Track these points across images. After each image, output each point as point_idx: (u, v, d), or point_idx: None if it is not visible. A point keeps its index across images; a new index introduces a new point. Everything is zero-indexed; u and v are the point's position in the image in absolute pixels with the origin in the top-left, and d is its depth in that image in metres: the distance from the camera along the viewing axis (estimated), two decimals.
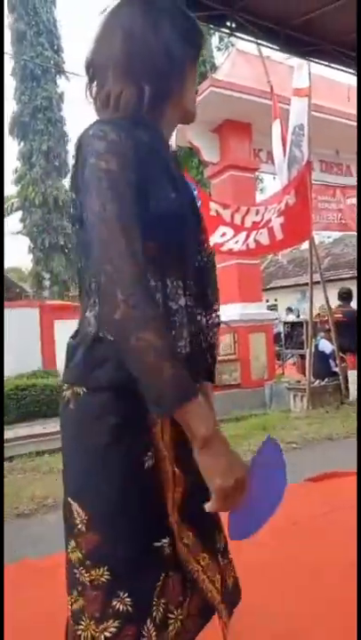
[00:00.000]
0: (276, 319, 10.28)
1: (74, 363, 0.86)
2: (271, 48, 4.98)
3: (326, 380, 6.33)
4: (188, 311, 0.88)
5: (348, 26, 4.64)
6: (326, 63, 5.11)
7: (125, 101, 0.87)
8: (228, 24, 4.56)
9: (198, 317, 0.91)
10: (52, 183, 18.26)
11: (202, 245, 0.94)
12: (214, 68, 14.32)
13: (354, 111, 8.60)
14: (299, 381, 6.74)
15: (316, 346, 6.72)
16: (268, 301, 15.57)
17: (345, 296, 6.59)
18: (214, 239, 5.51)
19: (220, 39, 16.64)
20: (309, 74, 5.61)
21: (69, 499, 0.85)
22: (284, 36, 4.79)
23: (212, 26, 4.81)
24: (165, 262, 0.84)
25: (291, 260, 19.51)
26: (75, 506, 0.84)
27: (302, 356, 7.65)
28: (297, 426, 4.73)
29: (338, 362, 6.27)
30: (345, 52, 5.01)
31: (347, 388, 6.14)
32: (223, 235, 5.73)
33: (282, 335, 8.69)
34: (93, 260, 0.78)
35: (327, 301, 6.45)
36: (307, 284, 6.39)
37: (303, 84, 5.62)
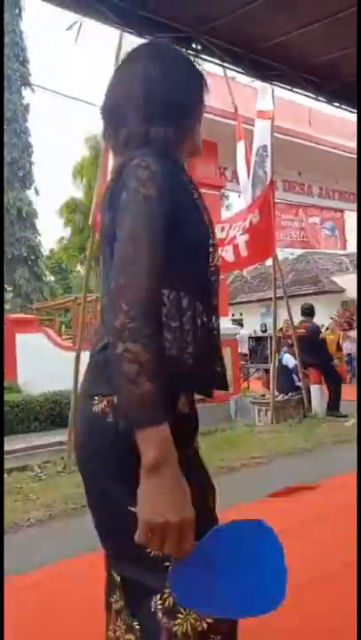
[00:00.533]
0: (236, 335, 10.37)
1: (110, 373, 0.81)
2: (236, 71, 5.12)
3: (290, 394, 6.44)
4: (209, 327, 0.94)
5: (311, 52, 4.85)
6: (290, 87, 5.31)
7: (153, 139, 0.95)
8: (194, 46, 4.67)
9: (215, 332, 0.97)
10: (16, 194, 18.00)
11: (215, 261, 0.99)
12: None
13: (315, 133, 8.96)
14: (263, 395, 6.83)
15: (280, 360, 6.84)
16: (233, 315, 15.77)
17: (307, 311, 6.77)
18: None
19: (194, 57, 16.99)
20: (273, 97, 5.79)
21: (130, 508, 0.80)
22: (248, 60, 4.95)
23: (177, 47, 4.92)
24: (190, 284, 0.91)
25: (256, 276, 19.86)
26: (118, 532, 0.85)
27: (267, 371, 7.77)
28: (262, 440, 4.78)
29: (300, 376, 6.40)
30: (308, 78, 5.22)
31: (309, 402, 6.26)
32: None
33: (247, 350, 8.81)
34: (113, 272, 0.81)
35: (290, 316, 6.60)
36: (271, 298, 6.53)
37: (267, 106, 5.81)
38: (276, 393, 6.33)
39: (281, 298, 6.57)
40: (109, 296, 0.81)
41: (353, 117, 6.10)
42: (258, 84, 5.75)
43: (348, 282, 16.83)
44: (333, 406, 6.32)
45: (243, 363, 9.13)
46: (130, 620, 0.89)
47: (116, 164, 1.00)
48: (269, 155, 5.82)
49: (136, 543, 0.74)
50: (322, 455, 4.37)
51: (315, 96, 5.45)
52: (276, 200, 9.62)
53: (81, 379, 1.06)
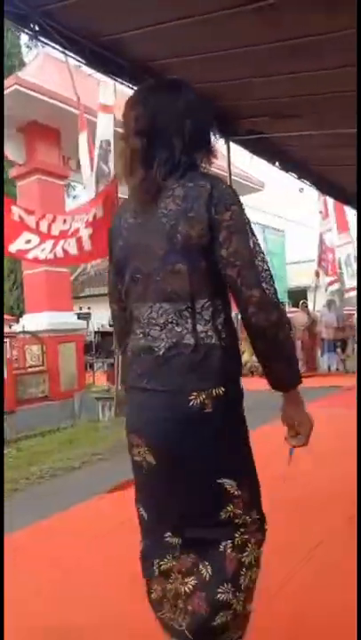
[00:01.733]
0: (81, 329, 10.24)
1: (205, 372, 1.16)
2: (76, 60, 4.97)
3: None
4: None
5: (152, 51, 4.95)
6: (130, 85, 5.35)
7: (202, 162, 1.30)
8: (32, 26, 4.39)
9: None
10: None
11: None
12: (23, 64, 13.70)
13: None
14: (107, 390, 6.85)
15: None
16: (81, 309, 15.47)
17: None
18: (17, 245, 5.22)
19: (31, 37, 15.97)
20: (115, 92, 5.78)
21: (219, 480, 1.20)
22: (89, 50, 4.84)
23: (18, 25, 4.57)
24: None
25: (105, 269, 19.77)
26: (227, 484, 1.21)
27: (112, 365, 7.81)
28: (104, 436, 4.78)
29: None
30: (150, 77, 5.32)
31: None
32: (28, 241, 5.47)
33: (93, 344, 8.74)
34: (251, 280, 1.16)
35: None
36: None
37: (108, 100, 5.78)
38: (121, 387, 6.41)
39: None
40: (252, 298, 1.16)
41: None
42: (100, 76, 5.67)
43: None
44: None
45: (89, 357, 9.04)
46: (192, 565, 1.21)
47: (165, 172, 1.23)
48: (112, 150, 5.81)
49: (229, 483, 1.20)
50: None
51: None
52: (122, 197, 9.71)
53: None
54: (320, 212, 12.88)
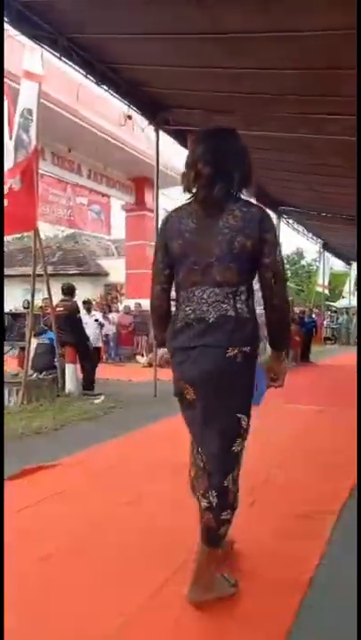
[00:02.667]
0: None
1: (240, 334, 1.67)
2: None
3: (44, 373, 6.33)
4: None
5: (83, 25, 4.74)
6: (59, 56, 5.09)
7: (249, 193, 1.90)
8: None
9: None
10: None
11: None
12: None
13: (84, 111, 8.92)
14: (16, 374, 6.51)
15: (38, 338, 6.65)
16: None
17: (67, 291, 6.73)
18: None
19: None
20: (42, 61, 5.46)
21: (238, 415, 1.69)
22: (15, 11, 4.52)
23: None
24: None
25: (21, 249, 18.84)
26: (242, 419, 1.70)
27: (23, 349, 7.44)
28: (8, 421, 4.53)
29: (58, 355, 6.35)
30: (78, 51, 5.10)
31: (64, 381, 6.28)
32: None
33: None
34: (275, 278, 1.72)
35: (49, 294, 6.45)
36: (38, 274, 6.22)
37: (35, 69, 5.44)
38: (31, 372, 6.12)
39: (42, 275, 6.35)
40: (273, 288, 1.72)
41: (119, 104, 6.29)
42: (27, 41, 5.32)
43: (112, 266, 17.58)
44: (87, 385, 6.50)
45: None
46: (206, 489, 1.70)
47: (226, 201, 1.72)
48: (35, 120, 5.49)
49: (239, 402, 1.70)
50: (68, 433, 4.43)
51: (85, 73, 5.38)
52: (43, 171, 9.26)
53: None
54: None
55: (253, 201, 2.14)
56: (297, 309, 12.43)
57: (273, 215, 12.07)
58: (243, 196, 1.78)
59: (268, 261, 1.70)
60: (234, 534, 1.93)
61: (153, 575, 1.94)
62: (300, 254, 29.89)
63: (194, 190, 1.76)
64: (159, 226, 1.95)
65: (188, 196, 1.80)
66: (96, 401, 5.89)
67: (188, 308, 1.74)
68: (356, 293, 22.84)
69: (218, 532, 1.70)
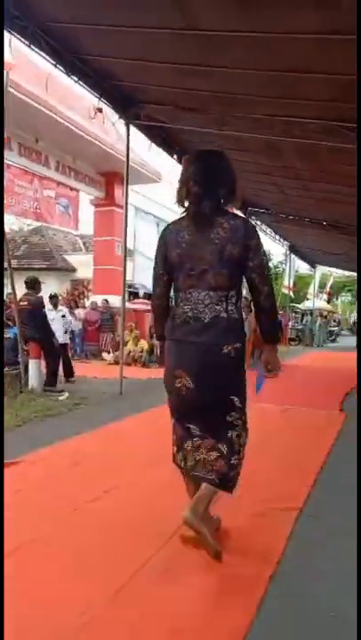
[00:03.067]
0: None
1: (232, 333, 2.00)
2: None
3: (7, 368, 6.16)
4: None
5: (52, 13, 4.63)
6: (28, 43, 4.95)
7: (234, 206, 2.25)
8: None
9: None
10: None
11: None
12: None
13: (53, 102, 8.72)
14: None
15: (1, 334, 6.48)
16: None
17: (31, 284, 6.58)
18: None
19: None
20: (11, 47, 5.30)
21: (231, 397, 2.05)
22: None
23: None
24: None
25: None
26: (235, 399, 2.05)
27: None
28: None
29: (20, 350, 6.20)
30: (47, 40, 4.98)
31: (27, 377, 6.13)
32: None
33: None
34: (260, 279, 2.02)
35: (13, 288, 6.29)
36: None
37: (4, 56, 5.27)
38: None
39: (6, 269, 6.17)
40: (262, 298, 2.04)
41: (89, 97, 6.19)
42: None
43: (80, 262, 17.31)
44: (50, 381, 6.38)
45: None
46: (214, 446, 2.04)
47: (209, 212, 2.02)
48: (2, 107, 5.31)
49: (235, 390, 2.07)
50: (30, 430, 4.33)
51: (54, 62, 5.26)
52: (9, 161, 9.01)
53: None
54: None
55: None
56: None
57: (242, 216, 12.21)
58: (230, 210, 2.11)
59: (253, 264, 2.01)
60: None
61: (118, 571, 1.92)
62: (267, 256, 30.33)
63: (186, 204, 2.08)
64: (158, 237, 2.18)
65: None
66: (60, 397, 5.79)
67: (186, 307, 2.04)
68: (316, 296, 23.43)
69: (228, 475, 2.03)
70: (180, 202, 2.09)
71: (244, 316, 2.23)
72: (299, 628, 1.65)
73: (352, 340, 21.38)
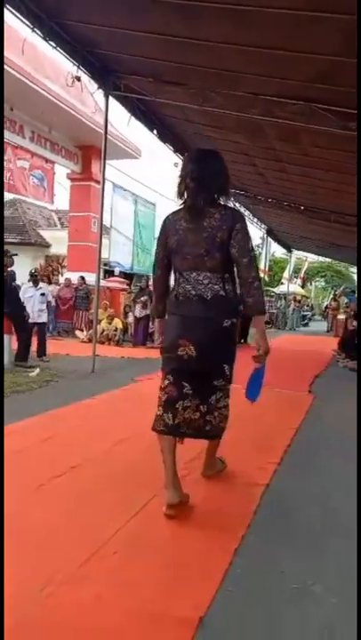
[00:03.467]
0: None
1: (230, 310, 2.30)
2: None
3: None
4: None
5: None
6: (5, 4, 4.71)
7: (227, 199, 2.43)
8: None
9: None
10: None
11: None
12: None
13: (29, 68, 8.38)
14: None
15: None
16: None
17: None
18: None
19: None
20: None
21: (223, 365, 2.34)
22: None
23: None
24: None
25: None
26: (225, 367, 2.35)
27: None
28: None
29: None
30: (26, 3, 4.74)
31: None
32: None
33: None
34: (246, 260, 2.24)
35: None
36: None
37: None
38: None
39: None
40: (248, 278, 2.23)
41: (67, 65, 5.96)
42: None
43: (54, 238, 16.95)
44: (21, 357, 6.28)
45: None
46: (197, 406, 2.32)
47: (203, 203, 2.29)
48: None
49: (227, 360, 2.38)
50: None
51: (32, 26, 5.02)
52: None
53: None
54: None
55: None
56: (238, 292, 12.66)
57: None
58: (222, 203, 2.37)
59: (234, 242, 2.24)
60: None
61: (81, 546, 1.92)
62: (252, 240, 30.41)
63: (185, 196, 2.36)
64: (160, 225, 2.48)
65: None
66: (31, 374, 5.70)
67: (187, 286, 2.32)
68: (291, 281, 23.68)
69: (204, 429, 2.37)
70: (179, 195, 2.38)
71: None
72: (262, 600, 1.69)
73: (323, 325, 21.78)
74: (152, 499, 2.37)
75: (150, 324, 10.42)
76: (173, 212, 2.44)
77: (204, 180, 2.30)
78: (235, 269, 2.32)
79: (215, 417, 2.36)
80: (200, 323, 2.29)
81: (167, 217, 2.45)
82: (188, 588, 1.70)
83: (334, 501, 2.55)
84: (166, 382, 2.36)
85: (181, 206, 2.38)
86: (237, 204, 12.47)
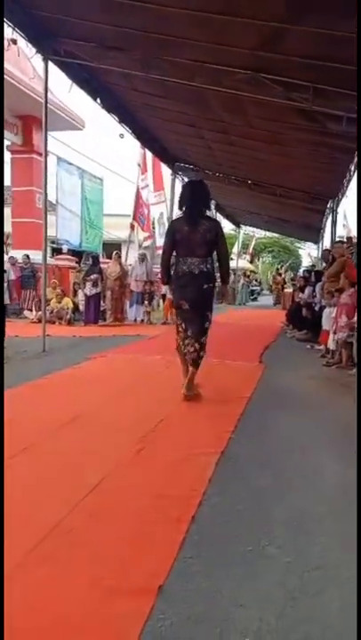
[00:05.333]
0: None
1: (208, 278, 3.83)
2: None
3: None
4: None
5: None
6: None
7: (209, 211, 5.00)
8: None
9: None
10: None
11: None
12: None
13: None
14: None
15: None
16: None
17: None
18: None
19: None
20: None
21: (207, 312, 3.93)
22: None
23: None
24: None
25: None
26: (208, 314, 3.97)
27: None
28: None
29: None
30: None
31: None
32: None
33: None
34: (225, 254, 4.00)
35: None
36: None
37: None
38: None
39: None
40: (224, 263, 4.05)
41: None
42: None
43: None
44: None
45: None
46: (193, 344, 3.88)
47: (196, 215, 3.87)
48: None
49: (209, 309, 3.98)
50: None
51: None
52: None
53: None
54: (138, 166, 12.89)
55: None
56: None
57: (168, 172, 11.94)
58: (207, 215, 4.04)
59: (219, 244, 3.84)
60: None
61: (30, 531, 1.87)
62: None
63: (184, 209, 3.91)
64: (168, 225, 3.89)
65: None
66: None
67: (184, 267, 3.78)
68: (239, 256, 23.94)
69: (198, 360, 3.85)
70: (180, 208, 3.99)
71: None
72: (219, 564, 1.72)
73: (271, 299, 22.36)
74: (106, 476, 2.35)
75: (102, 302, 10.27)
76: (177, 219, 4.14)
77: (195, 202, 3.89)
78: (214, 256, 3.90)
79: (199, 349, 3.87)
80: (191, 288, 3.80)
81: (172, 221, 4.38)
82: (145, 560, 1.71)
83: (286, 465, 2.63)
84: (180, 329, 3.98)
85: (181, 215, 3.94)
86: (185, 179, 12.37)
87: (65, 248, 13.13)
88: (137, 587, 1.56)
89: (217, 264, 4.09)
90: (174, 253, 3.88)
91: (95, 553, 1.73)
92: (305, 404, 3.98)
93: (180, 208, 3.93)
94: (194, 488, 2.25)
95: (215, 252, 3.84)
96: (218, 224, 3.94)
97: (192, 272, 3.72)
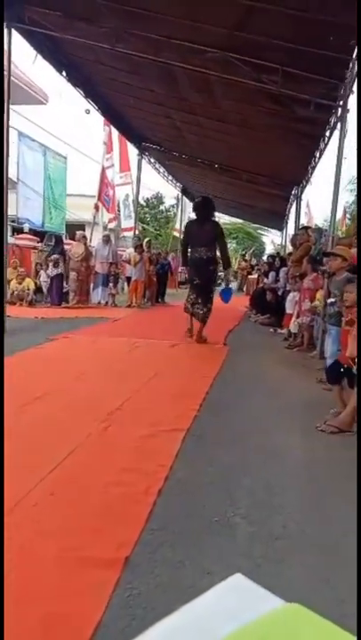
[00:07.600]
0: None
1: (212, 262, 6.01)
2: None
3: None
4: None
5: None
6: None
7: (213, 217, 6.81)
8: None
9: None
10: None
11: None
12: None
13: None
14: None
15: None
16: None
17: None
18: None
19: None
20: None
21: (211, 286, 6.17)
22: None
23: None
24: None
25: None
26: (211, 287, 6.20)
27: None
28: None
29: None
30: None
31: None
32: None
33: None
34: (224, 248, 6.29)
35: None
36: None
37: None
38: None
39: None
40: (223, 252, 6.30)
41: None
42: None
43: None
44: None
45: None
46: (201, 307, 5.97)
47: (203, 219, 6.04)
48: None
49: (212, 283, 6.37)
50: None
51: None
52: None
53: None
54: (104, 144, 12.56)
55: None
56: (153, 251, 12.53)
57: (135, 152, 11.74)
58: (212, 219, 6.25)
59: (219, 240, 5.98)
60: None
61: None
62: (159, 199, 30.12)
63: (196, 214, 6.16)
64: (185, 227, 7.06)
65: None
66: None
67: (196, 255, 5.84)
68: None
69: (205, 319, 5.87)
70: (194, 211, 6.24)
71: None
72: (185, 535, 1.74)
73: (234, 285, 22.58)
74: (72, 452, 2.32)
75: (65, 283, 10.05)
76: (191, 221, 6.63)
77: (204, 212, 5.95)
78: (217, 247, 5.86)
79: (207, 312, 5.81)
80: (201, 270, 5.81)
81: (188, 223, 7.13)
82: (112, 532, 1.71)
83: (250, 442, 2.69)
84: (190, 297, 5.89)
85: (194, 218, 6.20)
86: (152, 160, 12.19)
87: (26, 227, 12.73)
88: (104, 558, 1.56)
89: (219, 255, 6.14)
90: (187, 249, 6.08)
91: (61, 526, 1.72)
92: (268, 385, 4.07)
93: (194, 211, 6.28)
94: (160, 463, 2.26)
95: (217, 245, 5.90)
96: (218, 225, 6.17)
97: (201, 257, 5.76)
